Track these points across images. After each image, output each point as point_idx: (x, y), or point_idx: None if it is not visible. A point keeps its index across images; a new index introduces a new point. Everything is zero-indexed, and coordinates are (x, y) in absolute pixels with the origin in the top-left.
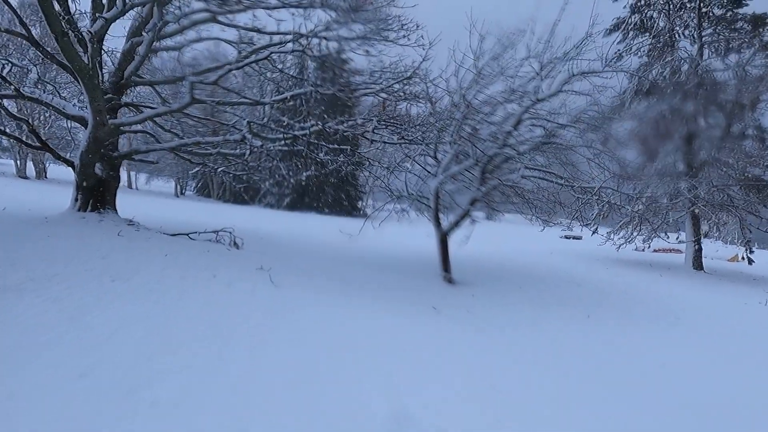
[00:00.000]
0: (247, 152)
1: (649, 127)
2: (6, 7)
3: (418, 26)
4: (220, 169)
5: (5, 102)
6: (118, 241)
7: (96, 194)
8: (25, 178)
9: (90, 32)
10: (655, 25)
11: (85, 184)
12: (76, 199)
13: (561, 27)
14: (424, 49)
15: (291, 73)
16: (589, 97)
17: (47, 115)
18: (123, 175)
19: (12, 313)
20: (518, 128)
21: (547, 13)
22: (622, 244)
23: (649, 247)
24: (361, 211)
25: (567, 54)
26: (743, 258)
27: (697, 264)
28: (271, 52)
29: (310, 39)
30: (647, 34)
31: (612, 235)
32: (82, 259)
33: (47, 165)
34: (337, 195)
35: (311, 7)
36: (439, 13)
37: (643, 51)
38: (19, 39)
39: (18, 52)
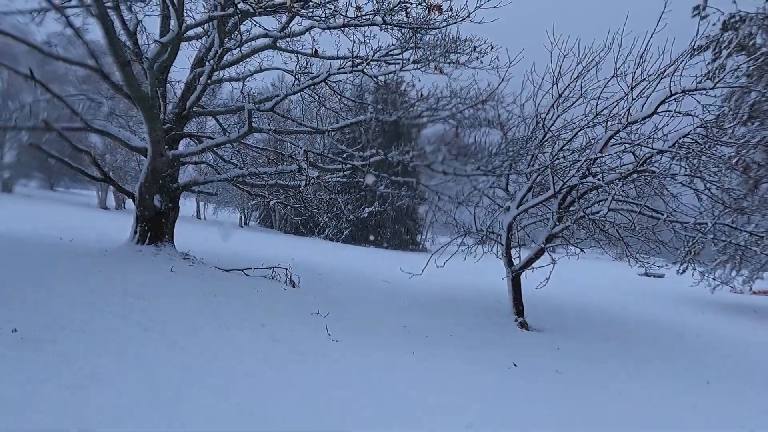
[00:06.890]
0: (303, 183)
1: (753, 154)
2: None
3: (492, 47)
4: (273, 202)
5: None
6: (166, 278)
7: (154, 226)
8: (106, 209)
9: (147, 59)
10: (754, 41)
11: (143, 216)
12: (135, 232)
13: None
14: (498, 72)
15: (350, 97)
16: (695, 119)
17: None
18: (192, 205)
19: None
20: (604, 154)
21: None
22: (718, 285)
23: (750, 289)
24: (421, 245)
25: (665, 69)
26: None
27: None
28: (329, 74)
29: (369, 62)
30: (744, 52)
31: (707, 275)
32: (115, 302)
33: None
34: (396, 229)
35: (373, 25)
36: (514, 36)
37: (741, 71)
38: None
39: (93, 86)
